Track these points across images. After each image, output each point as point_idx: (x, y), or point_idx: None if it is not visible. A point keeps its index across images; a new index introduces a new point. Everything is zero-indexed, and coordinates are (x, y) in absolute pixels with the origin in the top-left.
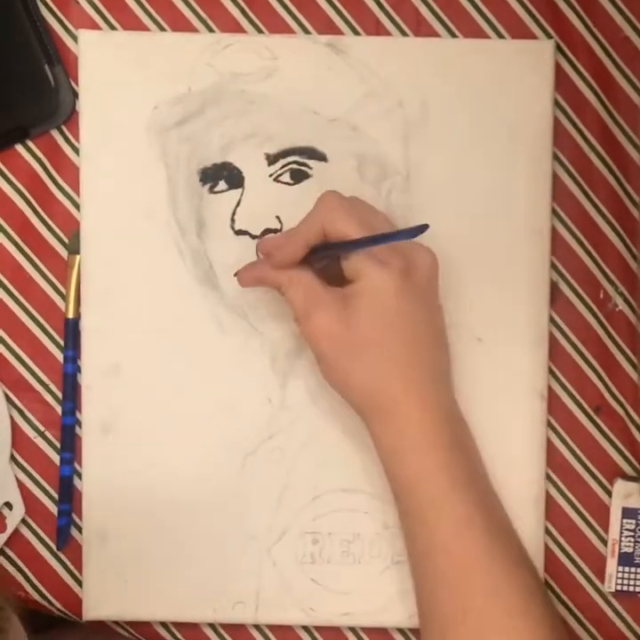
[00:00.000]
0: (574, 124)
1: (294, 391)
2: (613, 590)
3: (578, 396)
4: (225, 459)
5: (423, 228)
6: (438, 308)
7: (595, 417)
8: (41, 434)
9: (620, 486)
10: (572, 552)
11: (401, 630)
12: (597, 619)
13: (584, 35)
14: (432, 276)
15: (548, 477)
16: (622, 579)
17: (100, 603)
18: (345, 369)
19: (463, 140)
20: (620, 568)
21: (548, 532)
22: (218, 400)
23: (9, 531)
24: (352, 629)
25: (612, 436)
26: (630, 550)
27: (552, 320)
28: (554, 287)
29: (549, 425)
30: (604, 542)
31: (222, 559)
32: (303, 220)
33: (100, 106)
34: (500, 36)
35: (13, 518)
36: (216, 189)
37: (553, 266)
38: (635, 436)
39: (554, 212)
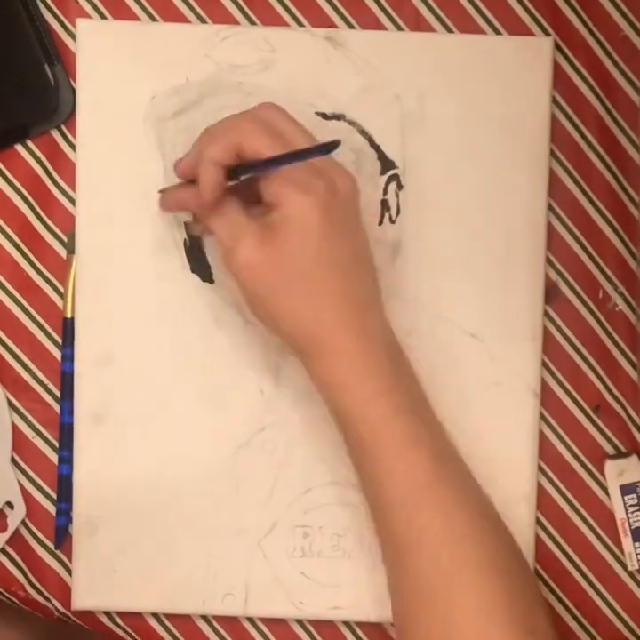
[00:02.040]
0: (573, 123)
1: (287, 384)
2: (637, 567)
3: (577, 396)
4: (216, 450)
5: (337, 144)
6: (362, 231)
7: (594, 416)
8: (39, 434)
9: (611, 466)
10: (568, 550)
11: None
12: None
13: (583, 34)
14: (353, 197)
15: (547, 477)
16: None
17: (88, 593)
18: (273, 303)
19: (460, 136)
20: (637, 544)
21: (544, 529)
22: (210, 391)
23: (10, 530)
24: (346, 623)
25: (611, 436)
26: None
27: (551, 320)
28: (553, 287)
29: (548, 424)
30: (604, 542)
31: (212, 551)
32: (211, 143)
33: (97, 95)
34: (499, 34)
35: (15, 518)
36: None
37: (552, 265)
38: (635, 436)
39: (553, 211)
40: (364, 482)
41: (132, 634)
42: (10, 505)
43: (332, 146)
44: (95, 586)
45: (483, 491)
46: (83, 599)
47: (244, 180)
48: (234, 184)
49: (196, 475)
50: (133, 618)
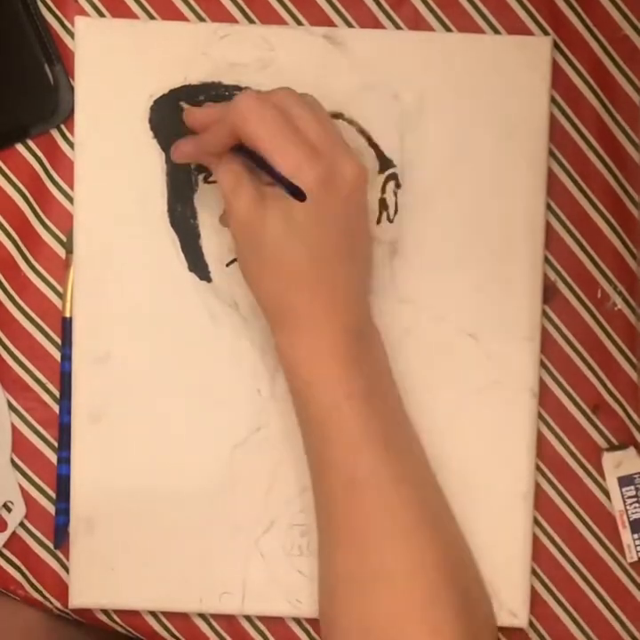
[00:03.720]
0: (572, 122)
1: (284, 383)
2: (636, 559)
3: (575, 396)
4: (213, 449)
5: (304, 197)
6: (360, 222)
7: (592, 416)
8: (38, 434)
9: (608, 459)
10: (566, 549)
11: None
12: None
13: (583, 33)
14: (356, 187)
15: (545, 476)
16: None
17: (85, 591)
18: (253, 268)
19: (458, 135)
20: (636, 535)
21: (542, 528)
22: (207, 390)
23: (10, 530)
24: None
25: (609, 436)
26: (639, 516)
27: (550, 319)
28: (552, 286)
29: (546, 424)
30: (601, 542)
31: (209, 549)
32: (222, 117)
33: (95, 93)
34: (498, 33)
35: (14, 518)
36: (210, 179)
37: (551, 265)
38: (634, 436)
39: (552, 211)
40: (308, 458)
41: (131, 631)
42: (9, 505)
43: (301, 196)
44: (92, 584)
45: (432, 486)
46: (80, 597)
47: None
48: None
49: (192, 473)
50: (131, 616)
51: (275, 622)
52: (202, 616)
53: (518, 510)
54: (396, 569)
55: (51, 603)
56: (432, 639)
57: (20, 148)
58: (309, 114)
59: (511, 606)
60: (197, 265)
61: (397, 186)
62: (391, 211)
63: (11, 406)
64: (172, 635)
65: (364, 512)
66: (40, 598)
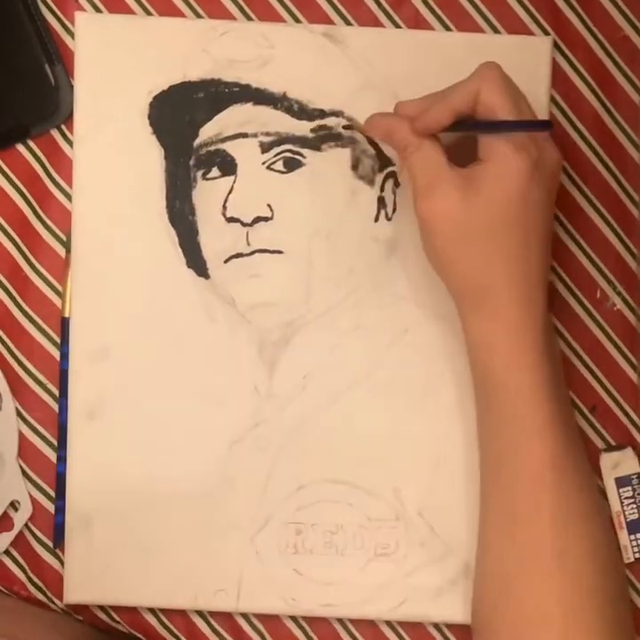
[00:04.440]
0: (571, 122)
1: (281, 380)
2: (633, 560)
3: (574, 396)
4: (210, 446)
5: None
6: (553, 207)
7: (590, 416)
8: (38, 434)
9: (606, 459)
10: None
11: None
12: None
13: (583, 33)
14: (557, 174)
15: None
16: (638, 545)
17: (81, 587)
18: (453, 255)
19: (457, 134)
20: (633, 536)
21: None
22: (204, 387)
23: (16, 529)
24: (339, 619)
25: (607, 436)
26: (636, 516)
27: None
28: (550, 286)
29: None
30: None
31: (205, 547)
32: (457, 87)
33: (95, 88)
34: (498, 33)
35: (21, 517)
36: (209, 176)
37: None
38: (634, 436)
39: None
40: (488, 446)
41: (130, 629)
42: (17, 504)
43: (551, 125)
44: (88, 580)
45: (597, 490)
46: (75, 593)
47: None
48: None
49: (189, 470)
50: (130, 613)
51: (271, 620)
52: (200, 614)
53: None
54: (569, 553)
55: (53, 602)
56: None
57: (20, 147)
58: (524, 97)
59: None
60: (195, 261)
61: (396, 184)
62: (389, 209)
63: None
64: (171, 633)
65: (548, 492)
66: (43, 598)
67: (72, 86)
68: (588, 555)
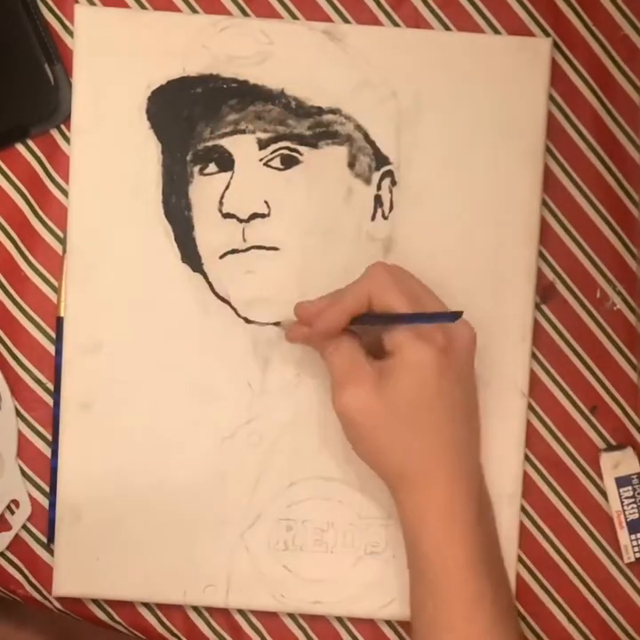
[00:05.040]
0: (571, 122)
1: (274, 377)
2: (633, 560)
3: (574, 396)
4: (202, 441)
5: (461, 313)
6: (473, 383)
7: (590, 417)
8: (37, 433)
9: (606, 458)
10: (563, 549)
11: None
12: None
13: (583, 33)
14: (470, 351)
15: (542, 476)
16: (638, 545)
17: (70, 580)
18: (377, 444)
19: (455, 134)
20: (633, 536)
21: (540, 529)
22: (198, 383)
23: (15, 529)
24: (338, 618)
25: (607, 436)
26: (636, 516)
27: (548, 319)
28: (550, 286)
29: (544, 424)
30: (599, 542)
31: (195, 542)
32: (348, 289)
33: (93, 82)
34: (499, 34)
35: (20, 517)
36: (206, 171)
37: (549, 264)
38: (633, 436)
39: (551, 211)
40: (418, 614)
41: (127, 626)
42: (16, 504)
43: (459, 314)
44: (77, 573)
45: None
46: (64, 586)
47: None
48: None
49: (180, 465)
50: (123, 608)
51: (269, 617)
52: (197, 610)
53: (504, 511)
54: None
55: (50, 602)
56: None
57: (20, 147)
58: (423, 287)
59: None
60: (191, 257)
61: (393, 183)
62: (386, 208)
63: None
64: (167, 628)
65: None
66: (39, 597)
67: (71, 85)
68: None
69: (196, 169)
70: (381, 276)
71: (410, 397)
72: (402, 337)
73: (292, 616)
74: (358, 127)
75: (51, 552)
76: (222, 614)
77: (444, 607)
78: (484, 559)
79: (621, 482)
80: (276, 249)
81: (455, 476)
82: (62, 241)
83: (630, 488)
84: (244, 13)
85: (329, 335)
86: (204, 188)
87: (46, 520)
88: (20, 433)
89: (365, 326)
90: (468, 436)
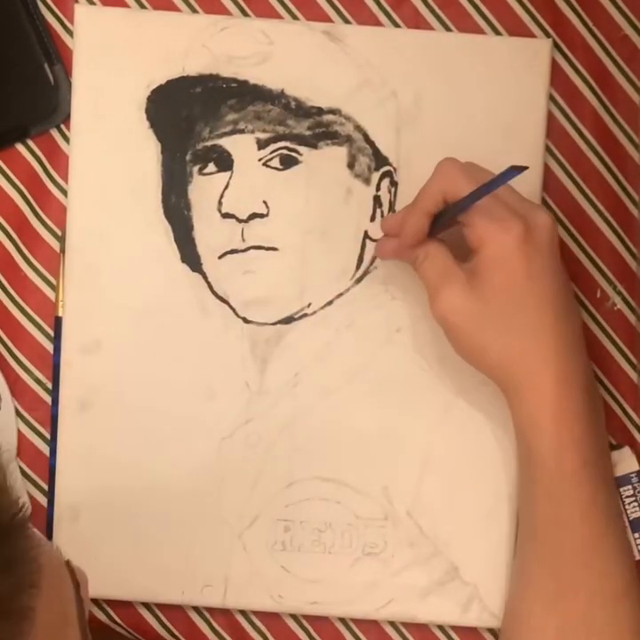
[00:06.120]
0: (571, 122)
1: (273, 377)
2: (637, 558)
3: None
4: (201, 442)
5: (525, 167)
6: (562, 269)
7: None
8: (37, 433)
9: None
10: None
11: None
12: None
13: (583, 34)
14: (552, 236)
15: None
16: None
17: None
18: (479, 344)
19: (455, 135)
20: (637, 534)
21: None
22: (196, 383)
23: None
24: (341, 619)
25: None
26: (638, 515)
27: None
28: None
29: None
30: None
31: (193, 542)
32: (421, 191)
33: (93, 82)
34: (499, 34)
35: None
36: (205, 171)
37: None
38: (634, 436)
39: (551, 211)
40: (530, 517)
41: (126, 627)
42: None
43: (525, 168)
44: None
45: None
46: None
47: (451, 230)
48: (442, 234)
49: (178, 465)
50: (126, 609)
51: (272, 618)
52: (196, 609)
53: (503, 512)
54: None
55: None
56: None
57: (19, 147)
58: (489, 172)
59: (493, 608)
60: (190, 256)
61: (392, 183)
62: (385, 208)
63: None
64: (166, 628)
65: (588, 572)
66: None
67: (71, 85)
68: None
69: (196, 169)
70: (449, 169)
71: (501, 292)
72: (481, 231)
73: (294, 616)
74: (358, 127)
75: None
76: (223, 615)
77: (562, 510)
78: (595, 460)
79: (621, 481)
80: (274, 249)
81: (563, 370)
82: (61, 240)
83: (630, 487)
84: (244, 13)
85: (415, 240)
86: (204, 188)
87: (45, 519)
88: (19, 432)
89: (449, 231)
90: (567, 324)
